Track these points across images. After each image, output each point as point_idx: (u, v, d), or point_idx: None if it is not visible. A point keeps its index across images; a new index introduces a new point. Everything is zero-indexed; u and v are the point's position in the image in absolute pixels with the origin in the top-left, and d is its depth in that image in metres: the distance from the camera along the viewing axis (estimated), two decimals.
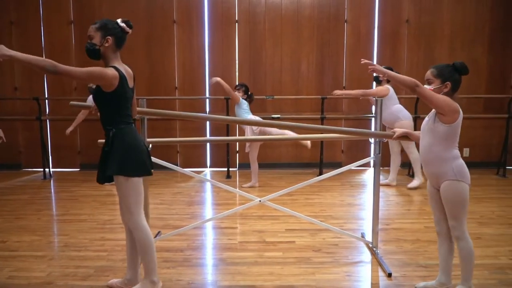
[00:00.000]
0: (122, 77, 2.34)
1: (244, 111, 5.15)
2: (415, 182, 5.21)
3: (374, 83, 5.57)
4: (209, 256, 3.30)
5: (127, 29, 2.41)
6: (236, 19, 6.33)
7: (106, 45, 2.35)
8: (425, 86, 2.44)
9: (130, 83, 2.44)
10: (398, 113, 5.09)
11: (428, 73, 2.45)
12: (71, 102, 2.97)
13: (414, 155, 5.17)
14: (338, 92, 5.30)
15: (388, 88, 5.10)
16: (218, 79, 5.12)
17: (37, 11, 6.27)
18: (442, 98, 2.34)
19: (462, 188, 2.38)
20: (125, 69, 2.42)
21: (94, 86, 2.43)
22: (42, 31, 6.31)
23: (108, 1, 6.24)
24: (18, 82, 6.38)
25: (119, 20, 2.39)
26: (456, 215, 2.40)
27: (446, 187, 2.40)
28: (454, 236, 2.46)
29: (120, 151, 2.36)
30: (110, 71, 2.30)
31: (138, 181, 2.43)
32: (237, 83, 6.35)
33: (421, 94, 2.35)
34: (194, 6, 6.31)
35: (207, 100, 6.46)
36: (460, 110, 2.38)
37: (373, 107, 6.28)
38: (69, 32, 6.31)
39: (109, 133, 2.37)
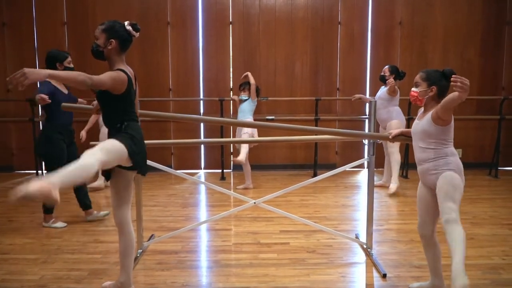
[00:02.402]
0: (129, 80, 2.35)
1: (251, 110, 5.19)
2: (393, 187, 5.03)
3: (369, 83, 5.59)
4: (203, 258, 3.29)
5: (133, 32, 2.40)
6: (230, 20, 6.33)
7: (110, 47, 2.34)
8: (413, 88, 2.51)
9: (134, 85, 2.45)
10: (393, 113, 5.10)
11: (417, 76, 2.52)
12: (64, 104, 2.96)
13: (396, 156, 5.14)
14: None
15: (396, 88, 5.10)
16: (249, 73, 5.17)
17: (30, 12, 6.23)
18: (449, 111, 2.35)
19: (459, 180, 2.40)
20: (130, 72, 2.42)
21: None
22: (35, 33, 6.27)
23: (101, 3, 6.22)
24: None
25: (126, 23, 2.38)
26: (454, 198, 2.34)
27: (447, 175, 2.38)
28: (450, 220, 2.27)
29: (129, 136, 2.34)
30: (123, 76, 2.30)
31: (129, 174, 2.43)
32: (231, 85, 6.39)
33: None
34: (188, 7, 6.30)
35: (201, 102, 6.45)
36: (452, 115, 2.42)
37: (367, 109, 6.33)
38: (62, 34, 6.27)
39: (120, 125, 2.36)
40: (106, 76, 2.23)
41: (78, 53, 6.22)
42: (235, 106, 5.73)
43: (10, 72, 6.31)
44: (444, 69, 2.47)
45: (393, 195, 5.02)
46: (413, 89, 2.52)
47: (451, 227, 2.28)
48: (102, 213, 4.16)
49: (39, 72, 1.98)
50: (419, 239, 3.53)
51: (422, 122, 2.48)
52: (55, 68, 3.65)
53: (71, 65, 3.85)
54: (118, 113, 2.38)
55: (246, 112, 5.17)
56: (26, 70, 1.94)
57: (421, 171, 2.53)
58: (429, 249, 2.57)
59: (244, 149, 5.12)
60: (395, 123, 4.99)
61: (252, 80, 5.14)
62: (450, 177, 2.38)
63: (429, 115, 2.43)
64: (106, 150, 2.18)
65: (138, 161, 2.37)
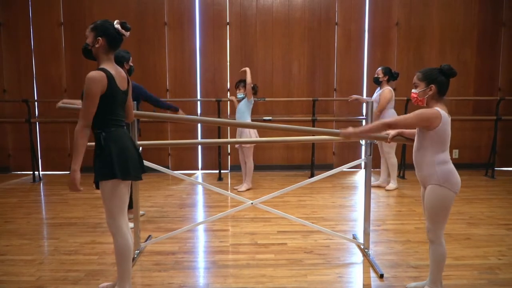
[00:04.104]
0: (110, 78, 2.30)
1: (248, 110, 5.15)
2: (391, 185, 5.31)
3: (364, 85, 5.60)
4: (201, 259, 3.29)
5: (123, 31, 2.38)
6: (228, 21, 6.33)
7: (97, 45, 2.33)
8: (412, 90, 2.51)
9: (123, 86, 2.41)
10: (387, 116, 5.11)
11: (414, 77, 2.51)
12: (59, 104, 2.94)
13: (392, 160, 5.27)
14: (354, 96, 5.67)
15: (390, 90, 5.13)
16: (247, 69, 5.09)
17: (26, 12, 6.21)
18: (413, 115, 2.37)
19: (444, 195, 2.39)
20: (117, 71, 2.39)
21: None
22: (32, 33, 6.25)
23: (98, 3, 6.21)
24: (7, 84, 6.31)
25: (115, 22, 2.37)
26: (433, 219, 2.43)
27: (429, 191, 2.43)
28: (428, 238, 2.49)
29: (108, 157, 2.33)
30: (101, 75, 2.28)
31: (122, 186, 2.39)
32: (228, 86, 6.39)
33: (398, 126, 2.46)
34: (185, 8, 6.30)
35: (199, 102, 6.45)
36: (444, 114, 2.37)
37: (364, 110, 6.34)
38: (59, 34, 6.26)
39: (99, 137, 2.35)
40: (86, 99, 2.26)
41: (75, 54, 6.22)
42: (232, 106, 5.72)
43: (6, 72, 6.30)
44: (441, 65, 2.46)
45: (391, 194, 5.05)
46: (412, 90, 2.51)
47: (434, 247, 2.48)
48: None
49: (77, 183, 2.28)
50: (416, 239, 3.57)
51: None
52: (122, 67, 3.62)
53: (132, 64, 3.94)
54: (100, 114, 2.33)
55: (243, 112, 5.13)
56: (71, 188, 2.29)
57: (418, 176, 2.54)
58: None
59: (248, 180, 5.34)
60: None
61: (248, 79, 5.03)
62: (437, 195, 2.40)
63: None
64: (112, 211, 2.39)
65: (121, 173, 2.36)
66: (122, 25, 2.37)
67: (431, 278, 2.52)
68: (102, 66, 2.35)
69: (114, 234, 2.42)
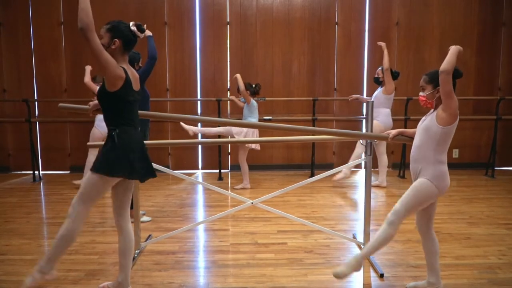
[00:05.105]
0: (127, 80, 2.34)
1: (251, 113, 5.17)
2: (376, 182, 5.32)
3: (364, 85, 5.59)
4: (201, 259, 3.29)
5: (138, 33, 2.40)
6: (228, 21, 6.33)
7: (113, 47, 2.35)
8: (420, 93, 2.53)
9: (136, 87, 2.44)
10: (380, 114, 5.10)
11: (421, 81, 2.53)
12: (60, 104, 2.94)
13: (383, 158, 5.29)
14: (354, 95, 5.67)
15: (394, 89, 5.15)
16: (238, 75, 5.15)
17: (26, 12, 6.21)
18: (455, 98, 2.38)
19: (430, 191, 2.43)
20: (131, 72, 2.42)
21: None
22: (32, 32, 6.25)
23: (98, 3, 6.19)
24: (7, 84, 6.31)
25: (131, 23, 2.39)
26: (406, 203, 2.44)
27: (418, 182, 2.46)
28: (387, 219, 2.45)
29: (112, 151, 2.34)
30: (119, 70, 2.30)
31: (109, 182, 2.37)
32: (229, 86, 6.39)
33: (443, 80, 2.34)
34: (185, 8, 6.30)
35: (199, 102, 6.45)
36: (458, 118, 2.42)
37: (364, 109, 6.34)
38: (59, 34, 6.25)
39: (112, 133, 2.36)
40: (104, 50, 2.22)
41: (75, 53, 6.21)
42: (232, 106, 5.73)
43: (6, 72, 6.30)
44: None
45: (391, 194, 5.05)
46: (420, 93, 2.54)
47: (386, 226, 2.44)
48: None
49: None
50: (416, 238, 3.56)
51: (427, 118, 2.52)
52: (133, 67, 3.58)
53: (142, 65, 3.98)
54: (113, 113, 2.37)
55: (246, 117, 5.20)
56: None
57: (412, 170, 2.57)
58: (426, 244, 2.61)
59: (245, 180, 5.36)
60: (376, 126, 4.97)
61: (241, 86, 5.10)
62: (423, 186, 2.43)
63: (435, 112, 2.46)
64: (84, 195, 2.35)
65: (123, 171, 2.35)
66: (138, 27, 2.40)
67: (365, 254, 2.48)
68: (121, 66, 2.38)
69: (70, 216, 2.34)
